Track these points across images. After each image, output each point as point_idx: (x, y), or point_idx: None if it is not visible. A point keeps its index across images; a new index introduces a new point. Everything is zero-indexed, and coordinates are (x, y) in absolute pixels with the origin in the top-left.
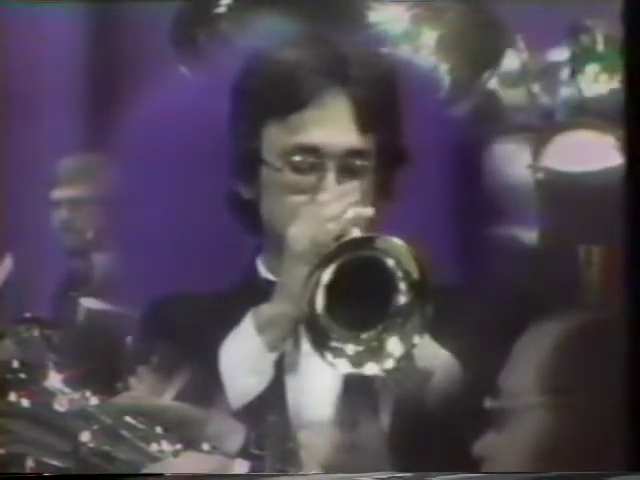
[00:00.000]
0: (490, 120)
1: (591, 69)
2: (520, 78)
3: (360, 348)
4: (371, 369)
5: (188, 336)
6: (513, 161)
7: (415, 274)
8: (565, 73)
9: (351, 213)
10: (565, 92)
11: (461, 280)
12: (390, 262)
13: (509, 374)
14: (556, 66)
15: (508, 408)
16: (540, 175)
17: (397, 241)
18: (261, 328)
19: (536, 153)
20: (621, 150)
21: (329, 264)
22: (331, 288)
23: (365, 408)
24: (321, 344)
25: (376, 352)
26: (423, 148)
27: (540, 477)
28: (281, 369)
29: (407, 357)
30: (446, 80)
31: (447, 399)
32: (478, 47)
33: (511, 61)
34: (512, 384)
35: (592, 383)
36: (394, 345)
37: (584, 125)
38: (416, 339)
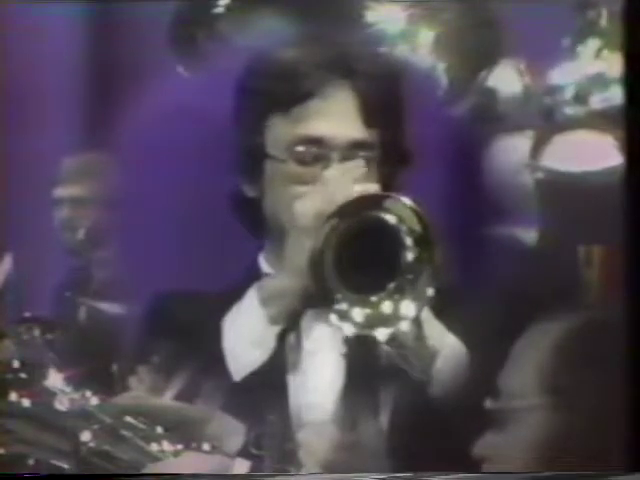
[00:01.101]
0: (489, 119)
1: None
2: (524, 102)
3: (369, 311)
4: (382, 332)
5: (190, 334)
6: (512, 160)
7: (418, 228)
8: (569, 93)
9: (357, 188)
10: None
11: (461, 280)
12: (392, 219)
13: (509, 374)
14: (559, 88)
15: (508, 408)
16: (540, 175)
17: (399, 199)
18: (265, 301)
19: (535, 152)
20: (621, 150)
21: (334, 227)
22: (337, 252)
23: (365, 408)
24: (327, 305)
25: (388, 314)
26: (422, 147)
27: (540, 477)
28: (282, 367)
29: (418, 322)
30: (444, 79)
31: (447, 399)
32: (475, 46)
33: (513, 86)
34: (512, 384)
35: (592, 383)
36: (407, 306)
37: (584, 125)
38: (429, 292)
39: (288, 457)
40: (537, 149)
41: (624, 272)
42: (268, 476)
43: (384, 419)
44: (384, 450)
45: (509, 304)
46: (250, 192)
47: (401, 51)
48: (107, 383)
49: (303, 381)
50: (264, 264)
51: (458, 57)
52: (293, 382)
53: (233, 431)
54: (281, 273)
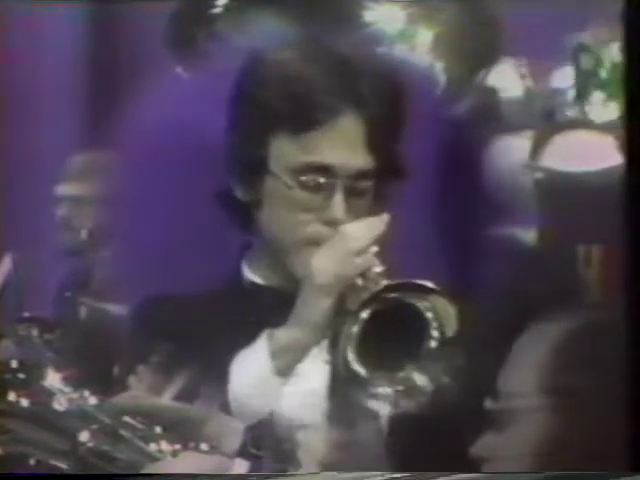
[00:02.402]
0: (488, 119)
1: (596, 96)
2: (526, 105)
3: (399, 387)
4: (407, 405)
5: (176, 336)
6: (512, 160)
7: (450, 331)
8: (570, 96)
9: (376, 247)
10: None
11: (461, 280)
12: (430, 315)
13: (509, 375)
14: (561, 91)
15: (508, 409)
16: (539, 175)
17: (438, 293)
18: (275, 354)
19: (535, 152)
20: (621, 150)
21: (364, 310)
22: (365, 332)
23: (362, 408)
24: (361, 395)
25: (410, 389)
26: (420, 148)
27: (540, 477)
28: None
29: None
30: (442, 79)
31: (447, 400)
32: (474, 45)
33: (516, 88)
34: (512, 385)
35: (592, 383)
36: (424, 381)
37: (584, 125)
38: (445, 380)
39: (287, 457)
40: (537, 149)
41: (624, 272)
42: (267, 476)
43: (383, 419)
44: (384, 450)
45: (509, 304)
46: (244, 197)
47: (400, 51)
48: (106, 383)
49: (300, 382)
50: (247, 269)
51: (457, 56)
52: (285, 384)
53: (232, 431)
54: (294, 326)
